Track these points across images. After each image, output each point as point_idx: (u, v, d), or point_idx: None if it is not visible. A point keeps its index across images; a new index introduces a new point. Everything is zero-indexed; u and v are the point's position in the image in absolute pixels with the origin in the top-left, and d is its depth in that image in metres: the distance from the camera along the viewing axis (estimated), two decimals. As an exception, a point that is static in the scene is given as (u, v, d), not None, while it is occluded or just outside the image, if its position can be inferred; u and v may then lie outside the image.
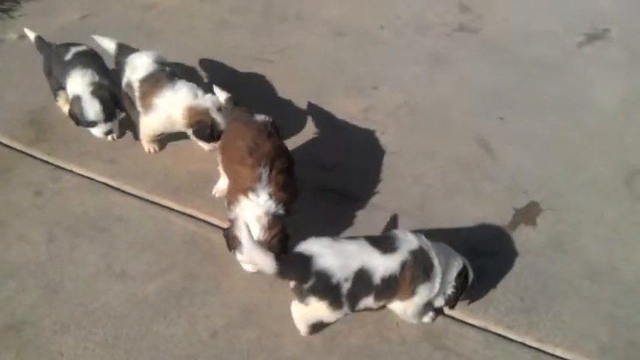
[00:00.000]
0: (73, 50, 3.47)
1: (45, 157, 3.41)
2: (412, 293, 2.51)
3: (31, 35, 3.67)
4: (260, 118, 2.99)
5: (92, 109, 3.28)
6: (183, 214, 3.17)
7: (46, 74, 3.58)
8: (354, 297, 2.45)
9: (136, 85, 3.30)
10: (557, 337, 2.71)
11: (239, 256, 2.74)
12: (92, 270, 2.89)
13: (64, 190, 3.25)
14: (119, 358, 2.56)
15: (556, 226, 3.19)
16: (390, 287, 2.47)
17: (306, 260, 2.42)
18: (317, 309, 2.48)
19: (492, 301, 2.82)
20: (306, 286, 2.42)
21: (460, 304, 2.70)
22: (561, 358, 2.67)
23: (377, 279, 2.43)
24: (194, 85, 3.28)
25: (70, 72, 3.35)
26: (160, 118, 3.25)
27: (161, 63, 3.38)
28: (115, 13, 4.54)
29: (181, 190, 3.26)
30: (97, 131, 3.36)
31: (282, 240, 2.70)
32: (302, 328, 2.66)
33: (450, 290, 2.59)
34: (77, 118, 3.31)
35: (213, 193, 3.22)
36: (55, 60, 3.47)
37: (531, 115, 3.88)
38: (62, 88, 3.43)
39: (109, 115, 3.33)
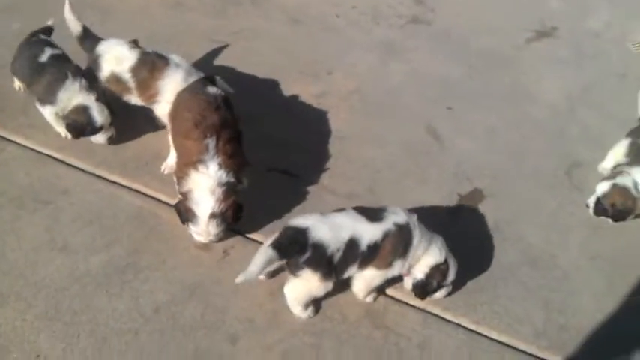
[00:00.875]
0: (49, 53, 3.27)
1: (-10, 128, 3.33)
2: (388, 265, 2.59)
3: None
4: (212, 89, 2.98)
5: (101, 115, 3.16)
6: (131, 189, 3.14)
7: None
8: (343, 265, 2.54)
9: (127, 75, 3.23)
10: (494, 320, 2.81)
11: (192, 228, 2.76)
12: (34, 242, 2.84)
13: (8, 161, 3.18)
14: (58, 331, 2.53)
15: (497, 213, 3.29)
16: (372, 254, 2.55)
17: (302, 234, 2.48)
18: (308, 281, 2.53)
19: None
20: (303, 258, 2.48)
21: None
22: (496, 340, 2.77)
23: (363, 246, 2.52)
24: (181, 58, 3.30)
25: (62, 84, 3.14)
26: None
27: (136, 47, 3.32)
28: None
29: (129, 166, 3.23)
30: (102, 137, 3.23)
31: (236, 210, 2.75)
32: (297, 309, 2.69)
33: (419, 275, 2.66)
34: (84, 128, 3.15)
35: (162, 169, 3.20)
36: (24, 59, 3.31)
37: (479, 106, 3.98)
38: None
39: (113, 118, 3.24)
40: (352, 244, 2.51)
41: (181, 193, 2.77)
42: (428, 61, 4.31)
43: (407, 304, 2.83)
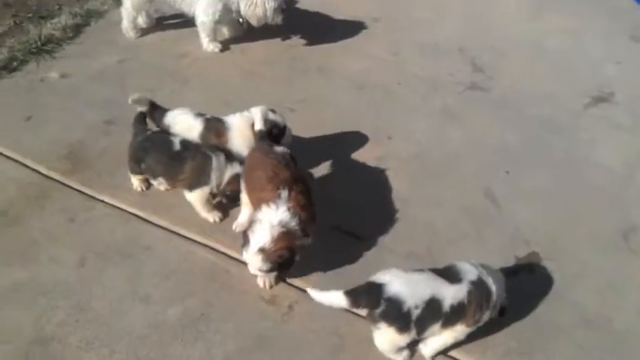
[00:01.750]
0: (177, 140, 3.44)
1: (80, 187, 3.67)
2: (476, 321, 2.77)
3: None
4: (279, 149, 3.24)
5: None
6: (206, 246, 3.40)
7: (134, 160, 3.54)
8: (424, 323, 2.71)
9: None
10: (550, 380, 2.87)
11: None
12: (118, 293, 3.12)
13: (95, 218, 3.50)
14: (138, 376, 2.77)
15: (554, 275, 3.37)
16: (457, 314, 2.71)
17: (377, 288, 2.69)
18: (387, 333, 2.72)
19: (490, 342, 2.99)
20: (378, 311, 2.67)
21: (458, 344, 2.89)
22: (552, 400, 2.83)
23: (446, 307, 2.68)
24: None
25: (210, 163, 3.36)
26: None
27: (199, 114, 3.67)
28: (150, 59, 4.86)
29: (205, 224, 3.49)
30: None
31: (285, 255, 2.89)
32: (390, 355, 2.90)
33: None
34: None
35: (234, 227, 3.45)
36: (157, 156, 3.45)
37: (536, 171, 4.09)
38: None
39: None
40: (433, 303, 2.67)
41: (251, 221, 2.98)
42: (486, 127, 4.47)
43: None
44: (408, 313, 2.65)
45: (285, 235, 2.89)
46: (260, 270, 2.93)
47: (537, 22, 5.90)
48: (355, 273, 3.25)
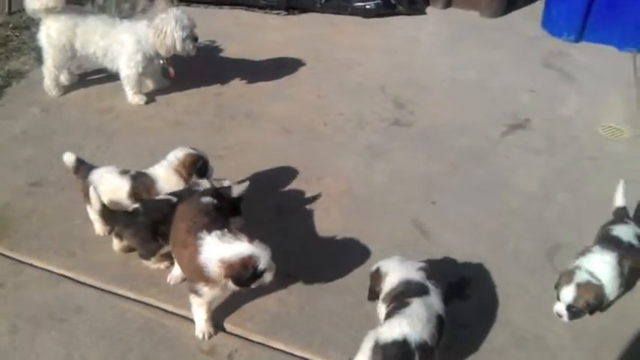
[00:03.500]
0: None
1: (6, 252, 3.59)
2: None
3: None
4: (205, 199, 3.23)
5: None
6: (140, 302, 3.36)
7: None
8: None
9: (127, 202, 3.56)
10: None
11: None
12: (53, 359, 3.04)
13: (25, 282, 3.42)
14: None
15: (484, 299, 3.50)
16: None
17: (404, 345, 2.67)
18: None
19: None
20: None
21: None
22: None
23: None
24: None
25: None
26: None
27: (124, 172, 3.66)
28: (74, 116, 4.83)
29: (138, 280, 3.46)
30: None
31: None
32: None
33: None
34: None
35: (168, 280, 3.43)
36: None
37: (461, 199, 4.26)
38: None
39: None
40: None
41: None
42: (410, 160, 4.64)
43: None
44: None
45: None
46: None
47: (453, 56, 6.21)
48: (292, 314, 3.31)
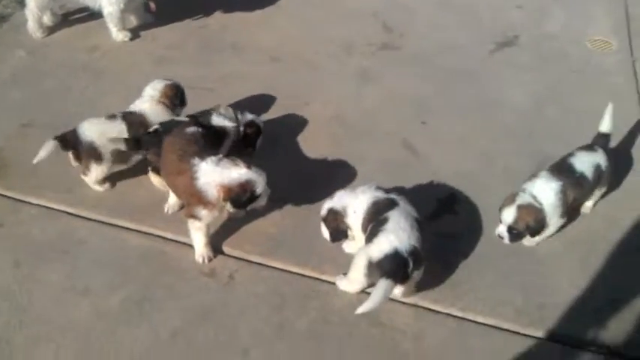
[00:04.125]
0: None
1: (4, 192, 3.65)
2: None
3: None
4: (190, 129, 3.29)
5: None
6: (139, 232, 3.46)
7: None
8: None
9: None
10: (478, 306, 3.10)
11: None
12: (58, 289, 3.15)
13: (25, 220, 3.50)
14: (89, 363, 2.84)
15: (474, 213, 3.59)
16: None
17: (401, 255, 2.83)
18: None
19: (420, 280, 3.17)
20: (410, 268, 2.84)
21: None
22: (483, 323, 3.05)
23: None
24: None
25: None
26: None
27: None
28: (60, 57, 4.80)
29: (135, 212, 3.54)
30: None
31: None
32: None
33: None
34: None
35: (166, 210, 3.51)
36: None
37: (450, 118, 4.30)
38: None
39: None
40: None
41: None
42: (400, 83, 4.64)
43: (397, 301, 3.11)
44: None
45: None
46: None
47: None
48: (287, 235, 3.41)
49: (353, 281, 3.04)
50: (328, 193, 3.56)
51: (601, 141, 3.56)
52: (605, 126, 3.59)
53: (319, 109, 4.33)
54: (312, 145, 4.04)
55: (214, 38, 5.10)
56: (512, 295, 3.14)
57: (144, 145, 3.47)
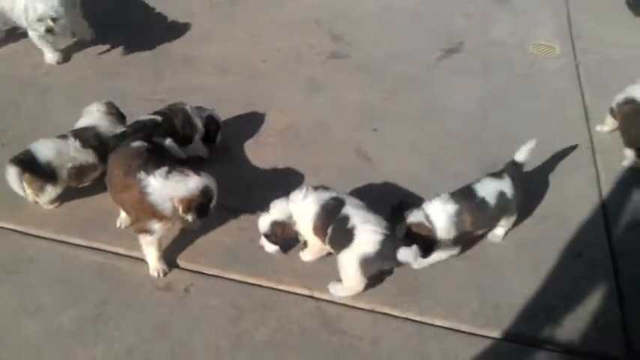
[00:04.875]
0: None
1: (-49, 213, 3.54)
2: None
3: None
4: (135, 144, 3.26)
5: None
6: (91, 248, 3.40)
7: None
8: None
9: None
10: (435, 310, 3.14)
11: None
12: (8, 310, 3.08)
13: (-27, 240, 3.41)
14: (42, 385, 2.77)
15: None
16: None
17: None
18: None
19: (377, 286, 3.21)
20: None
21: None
22: (440, 326, 3.09)
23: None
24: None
25: None
26: None
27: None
28: (6, 72, 4.71)
29: (87, 227, 3.48)
30: None
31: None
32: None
33: None
34: None
35: (118, 224, 3.46)
36: None
37: (400, 124, 4.37)
38: None
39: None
40: None
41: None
42: (350, 91, 4.70)
43: (356, 308, 3.14)
44: None
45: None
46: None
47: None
48: (244, 246, 3.41)
49: (353, 287, 3.10)
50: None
51: (512, 169, 3.47)
52: (520, 156, 3.49)
53: (271, 119, 4.36)
54: (266, 154, 4.06)
55: (166, 51, 5.07)
56: (468, 298, 3.20)
57: (110, 148, 3.45)
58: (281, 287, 3.23)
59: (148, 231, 3.07)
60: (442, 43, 5.33)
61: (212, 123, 3.92)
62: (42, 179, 3.42)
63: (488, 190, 3.32)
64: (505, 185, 3.35)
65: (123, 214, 3.43)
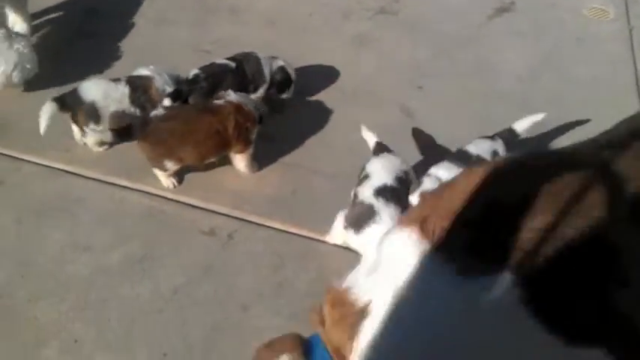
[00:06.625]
0: None
1: (4, 151, 3.67)
2: None
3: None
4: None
5: None
6: (139, 191, 3.49)
7: None
8: None
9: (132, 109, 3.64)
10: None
11: None
12: (59, 245, 3.18)
13: (25, 178, 3.52)
14: (91, 318, 2.88)
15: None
16: None
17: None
18: None
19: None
20: None
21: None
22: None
23: None
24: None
25: None
26: None
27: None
28: (62, 17, 4.77)
29: (134, 171, 3.56)
30: None
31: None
32: None
33: None
34: None
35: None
36: None
37: (447, 83, 4.32)
38: None
39: None
40: None
41: None
42: (397, 48, 4.65)
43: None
44: None
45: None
46: None
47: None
48: (287, 197, 3.46)
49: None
50: (326, 158, 3.61)
51: (506, 134, 3.50)
52: (520, 125, 3.52)
53: (315, 74, 4.34)
54: (309, 110, 4.07)
55: (212, 1, 5.07)
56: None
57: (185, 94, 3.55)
58: (322, 238, 3.28)
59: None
60: (493, 1, 5.20)
61: (281, 74, 3.84)
62: (85, 118, 3.49)
63: (482, 148, 3.36)
64: (498, 145, 3.40)
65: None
